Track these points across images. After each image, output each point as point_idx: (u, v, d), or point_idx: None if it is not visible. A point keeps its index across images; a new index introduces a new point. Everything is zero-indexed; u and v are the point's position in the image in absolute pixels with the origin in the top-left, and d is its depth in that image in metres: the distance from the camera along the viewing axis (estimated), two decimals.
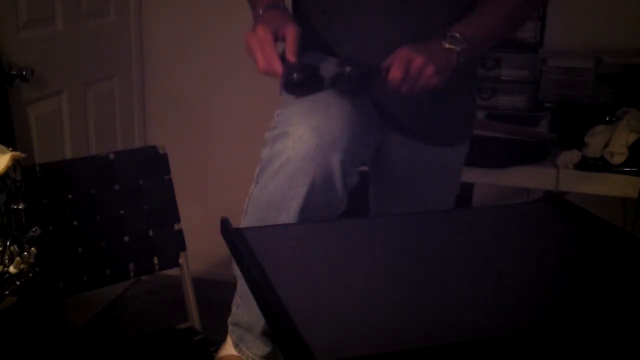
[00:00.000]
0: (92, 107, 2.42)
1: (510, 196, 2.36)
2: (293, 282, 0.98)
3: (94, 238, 1.56)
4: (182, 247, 1.65)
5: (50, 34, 2.18)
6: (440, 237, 1.17)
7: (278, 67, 1.31)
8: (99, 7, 2.43)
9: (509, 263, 1.07)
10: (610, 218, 1.22)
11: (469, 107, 1.72)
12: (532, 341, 0.86)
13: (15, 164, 0.99)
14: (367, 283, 1.00)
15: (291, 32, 1.35)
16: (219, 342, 1.53)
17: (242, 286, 1.47)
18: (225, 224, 1.10)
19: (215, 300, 1.82)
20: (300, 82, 1.32)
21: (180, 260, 1.65)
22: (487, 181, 2.16)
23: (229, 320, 1.50)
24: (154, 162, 1.64)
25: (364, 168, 1.61)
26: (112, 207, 1.58)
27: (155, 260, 1.63)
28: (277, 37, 1.35)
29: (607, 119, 2.12)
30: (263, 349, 1.45)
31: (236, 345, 1.48)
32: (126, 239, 1.60)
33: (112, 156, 1.60)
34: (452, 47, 1.36)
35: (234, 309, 1.50)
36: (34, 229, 1.02)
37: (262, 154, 1.35)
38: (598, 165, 2.06)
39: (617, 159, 2.04)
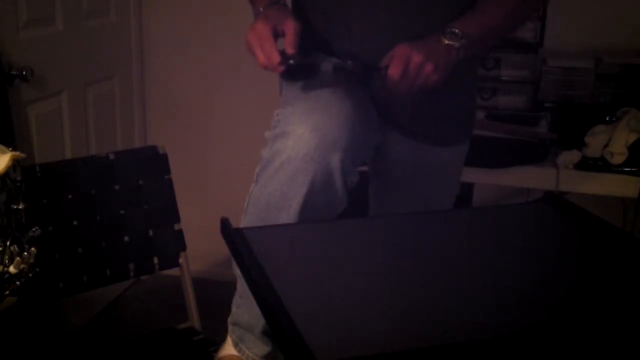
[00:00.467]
0: (92, 107, 2.42)
1: (510, 196, 2.36)
2: (293, 282, 0.98)
3: (94, 238, 1.56)
4: (182, 247, 1.65)
5: (50, 34, 2.18)
6: (440, 237, 1.17)
7: (278, 61, 1.32)
8: (99, 7, 2.43)
9: (509, 263, 1.07)
10: (610, 218, 1.22)
11: (469, 106, 1.72)
12: (532, 341, 0.86)
13: (15, 164, 0.99)
14: (367, 283, 1.00)
15: (290, 27, 1.35)
16: (219, 342, 1.53)
17: (242, 286, 1.47)
18: (225, 224, 1.10)
19: (215, 300, 1.82)
20: (297, 67, 1.33)
21: (180, 260, 1.65)
22: (487, 181, 2.16)
23: (229, 320, 1.50)
24: (154, 162, 1.64)
25: (364, 168, 1.61)
26: (112, 207, 1.58)
27: (155, 260, 1.63)
28: (277, 33, 1.35)
29: (607, 119, 2.12)
30: (263, 348, 1.45)
31: (236, 345, 1.48)
32: (126, 239, 1.60)
33: (112, 156, 1.60)
34: (451, 42, 1.36)
35: (234, 309, 1.50)
36: (34, 229, 1.02)
37: (262, 154, 1.35)
38: (598, 165, 2.06)
39: (617, 159, 2.03)
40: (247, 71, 1.47)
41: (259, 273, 0.97)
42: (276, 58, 1.32)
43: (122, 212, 1.59)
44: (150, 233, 1.62)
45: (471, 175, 2.00)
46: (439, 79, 1.35)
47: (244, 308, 1.47)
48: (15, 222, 1.00)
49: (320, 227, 1.24)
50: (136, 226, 1.61)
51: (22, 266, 0.99)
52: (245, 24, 1.40)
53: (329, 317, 0.89)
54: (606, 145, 2.06)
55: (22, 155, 1.00)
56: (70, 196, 1.53)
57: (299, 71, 1.36)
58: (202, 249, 2.09)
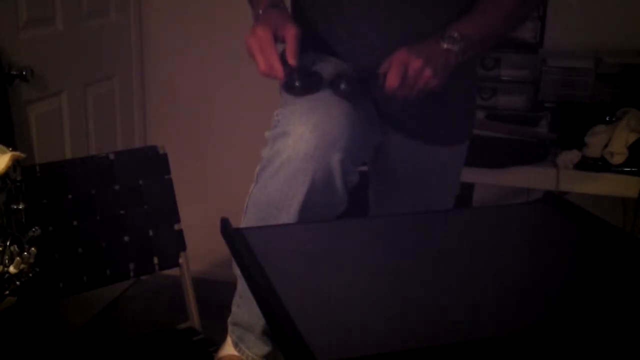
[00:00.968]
0: (92, 107, 2.42)
1: (510, 196, 2.36)
2: (293, 282, 0.98)
3: (94, 238, 1.56)
4: (182, 247, 1.65)
5: (50, 34, 2.18)
6: (440, 237, 1.17)
7: (279, 71, 1.32)
8: (99, 7, 2.43)
9: (508, 263, 1.07)
10: (610, 218, 1.22)
11: (469, 106, 1.72)
12: (532, 341, 0.86)
13: (15, 164, 0.99)
14: (367, 283, 1.00)
15: (291, 33, 1.35)
16: (219, 342, 1.53)
17: (242, 286, 1.47)
18: (225, 224, 1.10)
19: (215, 300, 1.82)
20: (302, 88, 1.34)
21: (180, 260, 1.65)
22: (487, 181, 2.16)
23: (229, 320, 1.50)
24: (154, 162, 1.64)
25: (364, 168, 1.61)
26: (112, 207, 1.58)
27: (155, 260, 1.63)
28: (277, 38, 1.35)
29: (607, 119, 2.12)
30: (263, 348, 1.45)
31: (236, 345, 1.48)
32: (126, 239, 1.60)
33: (112, 156, 1.60)
34: (450, 47, 1.36)
35: (234, 309, 1.50)
36: (34, 229, 1.02)
37: (262, 154, 1.35)
38: (598, 165, 2.06)
39: (617, 159, 2.04)
40: (247, 71, 1.46)
41: (259, 273, 0.97)
42: (277, 66, 1.32)
43: (122, 212, 1.59)
44: (150, 233, 1.62)
45: (471, 175, 2.00)
46: (438, 83, 1.35)
47: (244, 308, 1.47)
48: (15, 222, 1.00)
49: (320, 227, 1.24)
50: (136, 226, 1.61)
51: (22, 266, 0.99)
52: (245, 24, 1.40)
53: (329, 317, 0.89)
54: (606, 145, 2.06)
55: (22, 155, 1.00)
56: (70, 196, 1.53)
57: (301, 89, 1.37)
58: (202, 249, 2.09)
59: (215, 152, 2.75)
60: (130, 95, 2.66)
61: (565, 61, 2.21)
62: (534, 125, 2.20)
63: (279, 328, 0.86)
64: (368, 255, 1.10)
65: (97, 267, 1.56)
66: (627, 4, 2.29)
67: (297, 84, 1.36)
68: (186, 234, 1.66)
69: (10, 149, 1.00)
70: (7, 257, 0.97)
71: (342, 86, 1.36)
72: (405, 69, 1.32)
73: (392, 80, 1.32)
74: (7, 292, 0.98)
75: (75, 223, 1.53)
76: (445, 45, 1.36)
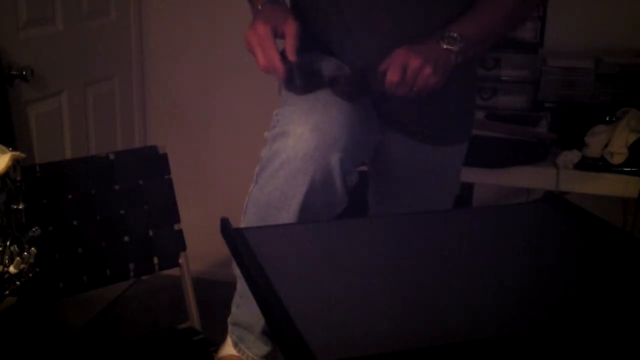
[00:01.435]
0: (92, 107, 2.42)
1: (510, 196, 2.36)
2: (293, 282, 0.98)
3: (94, 238, 1.56)
4: (182, 247, 1.65)
5: (50, 34, 2.18)
6: (440, 237, 1.17)
7: (279, 66, 1.32)
8: (99, 7, 2.43)
9: (508, 263, 1.07)
10: (610, 218, 1.22)
11: (469, 106, 1.72)
12: (532, 341, 0.86)
13: (15, 164, 0.99)
14: (367, 283, 1.00)
15: (291, 29, 1.35)
16: (219, 342, 1.53)
17: (242, 286, 1.48)
18: (225, 224, 1.10)
19: (215, 300, 1.82)
20: (303, 85, 1.34)
21: (180, 260, 1.65)
22: (487, 181, 2.16)
23: (229, 320, 1.51)
24: (154, 162, 1.64)
25: (364, 168, 1.61)
26: (112, 207, 1.58)
27: (155, 260, 1.63)
28: (277, 34, 1.35)
29: (607, 119, 2.12)
30: (263, 348, 1.45)
31: (236, 345, 1.48)
32: (126, 239, 1.60)
33: (112, 156, 1.60)
34: (450, 47, 1.36)
35: (234, 309, 1.50)
36: (34, 229, 1.02)
37: (262, 154, 1.35)
38: (598, 165, 2.06)
39: (617, 159, 2.03)
40: (247, 71, 1.47)
41: (259, 273, 0.97)
42: (277, 61, 1.32)
43: (122, 212, 1.59)
44: (150, 233, 1.62)
45: (471, 175, 2.00)
46: (437, 82, 1.35)
47: (244, 308, 1.47)
48: (15, 222, 1.00)
49: (320, 227, 1.24)
50: (136, 226, 1.61)
51: (22, 266, 0.99)
52: (246, 24, 1.40)
53: (329, 317, 0.89)
54: (606, 145, 2.06)
55: (22, 155, 1.00)
56: (70, 196, 1.53)
57: (301, 87, 1.37)
58: (202, 249, 2.09)
59: (215, 152, 2.75)
60: (130, 95, 2.66)
61: (565, 61, 2.21)
62: (534, 125, 2.20)
63: (279, 328, 0.86)
64: (368, 255, 1.10)
65: (97, 267, 1.56)
66: (627, 4, 2.29)
67: (298, 82, 1.36)
68: (186, 234, 1.66)
69: (10, 149, 1.00)
70: (7, 257, 0.97)
71: (342, 86, 1.36)
72: (404, 69, 1.32)
73: (392, 77, 1.32)
74: (7, 292, 0.98)
75: (75, 223, 1.53)
76: (445, 45, 1.36)
